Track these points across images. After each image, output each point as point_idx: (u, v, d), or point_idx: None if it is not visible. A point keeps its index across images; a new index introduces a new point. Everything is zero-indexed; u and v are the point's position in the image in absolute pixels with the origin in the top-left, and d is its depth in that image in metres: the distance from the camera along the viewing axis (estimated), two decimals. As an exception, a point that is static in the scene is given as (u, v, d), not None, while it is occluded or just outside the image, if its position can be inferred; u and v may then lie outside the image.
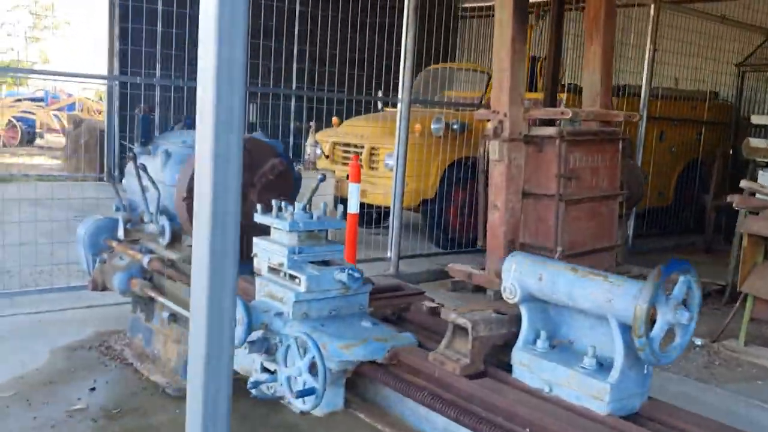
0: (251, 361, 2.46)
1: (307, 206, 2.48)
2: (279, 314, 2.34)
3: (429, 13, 7.55)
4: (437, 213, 6.98)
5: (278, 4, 8.10)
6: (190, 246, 3.54)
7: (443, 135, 6.99)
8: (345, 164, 7.06)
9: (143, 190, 3.38)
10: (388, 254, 6.23)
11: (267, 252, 2.48)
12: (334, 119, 8.17)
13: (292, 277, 2.37)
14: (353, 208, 5.34)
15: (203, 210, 1.37)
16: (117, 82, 10.97)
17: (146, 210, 3.43)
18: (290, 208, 2.42)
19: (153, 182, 3.33)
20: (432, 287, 5.76)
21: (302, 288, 2.31)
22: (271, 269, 2.47)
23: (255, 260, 2.56)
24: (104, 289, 3.71)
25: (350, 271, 2.31)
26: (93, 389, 3.35)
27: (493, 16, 5.25)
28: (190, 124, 3.93)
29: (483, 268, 5.62)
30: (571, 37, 8.29)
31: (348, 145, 7.51)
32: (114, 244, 3.73)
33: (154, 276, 3.58)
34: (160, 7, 7.86)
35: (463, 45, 13.04)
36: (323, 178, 2.35)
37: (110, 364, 3.67)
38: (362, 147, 7.27)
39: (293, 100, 8.12)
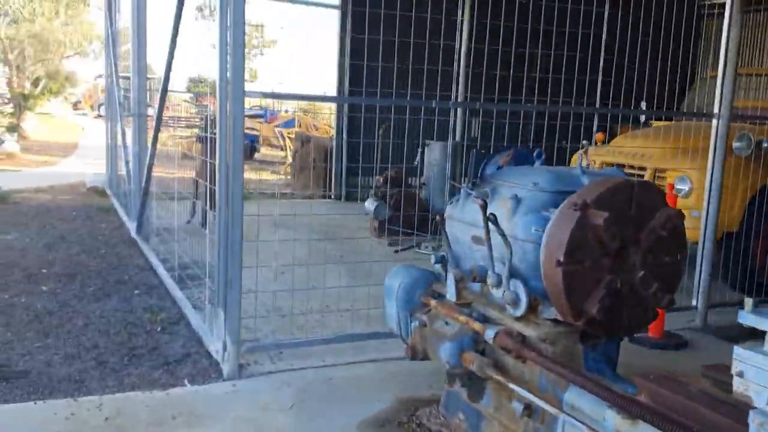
0: None
1: None
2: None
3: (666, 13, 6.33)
4: (741, 250, 5.73)
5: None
6: (550, 320, 2.79)
7: (750, 155, 5.75)
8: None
9: (489, 245, 2.68)
10: (693, 302, 5.13)
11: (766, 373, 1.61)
12: (598, 135, 7.18)
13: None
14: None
15: None
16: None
17: (491, 270, 2.72)
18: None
19: (505, 237, 2.61)
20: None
21: None
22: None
23: (737, 381, 1.71)
24: (424, 358, 3.07)
25: None
26: (425, 492, 2.71)
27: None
28: (522, 158, 3.20)
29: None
30: None
31: (622, 166, 6.47)
32: (433, 303, 3.08)
33: (486, 349, 2.87)
34: (398, 12, 7.31)
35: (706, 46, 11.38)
36: None
37: (430, 452, 3.02)
38: (641, 168, 6.22)
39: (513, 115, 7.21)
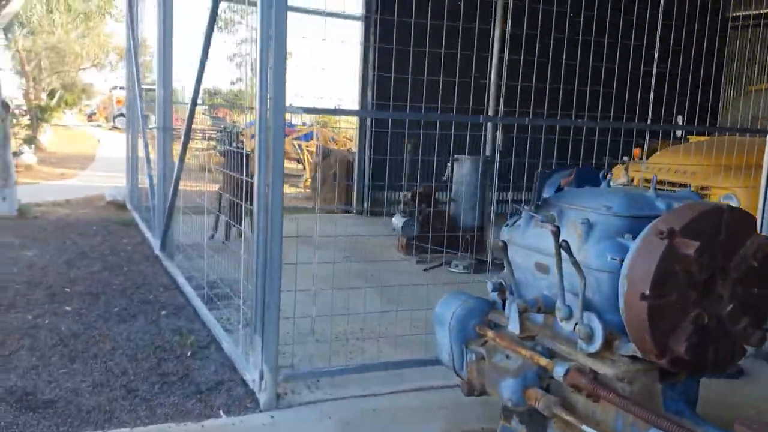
0: None
1: None
2: None
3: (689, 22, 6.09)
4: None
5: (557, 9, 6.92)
6: (627, 357, 2.57)
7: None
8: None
9: (561, 275, 2.47)
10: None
11: None
12: (635, 151, 6.97)
13: None
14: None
15: None
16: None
17: (560, 301, 2.51)
18: None
19: (578, 266, 2.40)
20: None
21: None
22: None
23: None
24: (482, 393, 2.87)
25: None
26: None
27: None
28: (585, 176, 3.00)
29: None
30: None
31: (663, 183, 6.25)
32: (490, 334, 2.88)
33: (551, 386, 2.66)
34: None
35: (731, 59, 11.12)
36: None
37: (489, 495, 2.80)
38: (683, 186, 5.99)
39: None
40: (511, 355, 2.76)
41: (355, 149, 11.23)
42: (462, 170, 7.44)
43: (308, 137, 17.09)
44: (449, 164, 7.47)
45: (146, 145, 7.56)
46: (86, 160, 19.36)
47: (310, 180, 14.78)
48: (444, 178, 7.47)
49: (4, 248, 6.79)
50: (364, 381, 3.80)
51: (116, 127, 41.66)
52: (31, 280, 5.66)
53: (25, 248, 6.84)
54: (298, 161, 16.99)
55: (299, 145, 15.76)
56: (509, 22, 7.87)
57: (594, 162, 6.48)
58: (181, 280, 5.69)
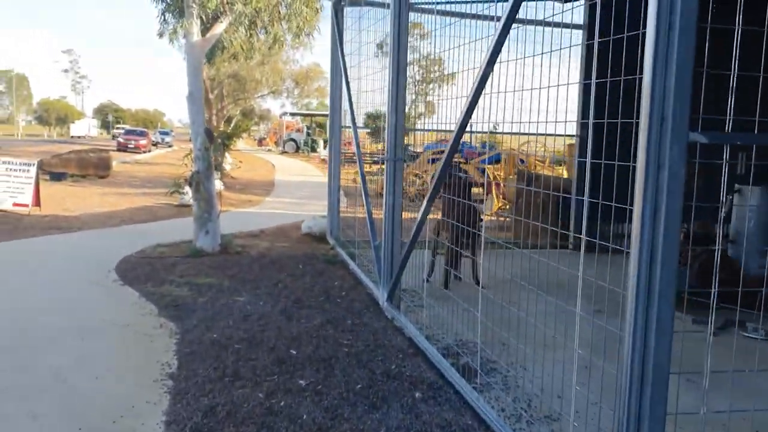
0: None
1: None
2: None
3: None
4: None
5: None
6: None
7: None
8: None
9: None
10: None
11: None
12: None
13: None
14: None
15: None
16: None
17: None
18: None
19: None
20: None
21: None
22: None
23: None
24: None
25: None
26: None
27: None
28: None
29: None
30: None
31: None
32: None
33: None
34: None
35: None
36: None
37: None
38: None
39: None
40: None
41: (567, 173, 9.87)
42: (747, 203, 5.90)
43: (494, 159, 15.94)
44: (729, 196, 5.97)
45: (363, 179, 6.72)
46: (267, 186, 19.50)
47: (499, 207, 13.63)
48: (723, 213, 5.98)
49: (215, 292, 6.19)
50: None
51: (285, 152, 42.99)
52: (250, 336, 4.92)
53: (236, 293, 6.20)
54: (482, 185, 15.85)
55: (483, 169, 14.64)
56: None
57: None
58: (418, 338, 4.70)
